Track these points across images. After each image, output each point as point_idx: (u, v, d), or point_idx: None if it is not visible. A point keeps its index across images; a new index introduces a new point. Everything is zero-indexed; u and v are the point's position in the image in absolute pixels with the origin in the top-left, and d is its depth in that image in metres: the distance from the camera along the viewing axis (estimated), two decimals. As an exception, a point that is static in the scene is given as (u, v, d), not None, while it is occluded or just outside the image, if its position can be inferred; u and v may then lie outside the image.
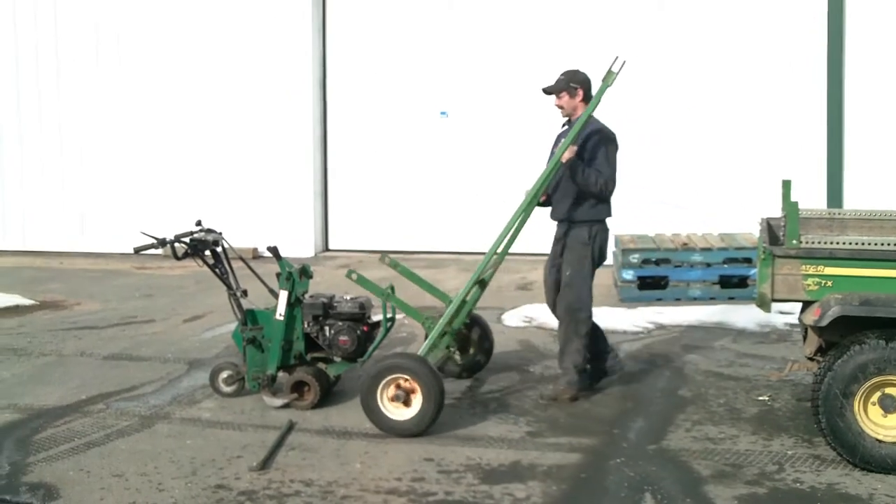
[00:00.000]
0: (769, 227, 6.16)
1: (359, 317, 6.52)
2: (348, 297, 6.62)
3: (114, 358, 8.02)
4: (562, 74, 6.71)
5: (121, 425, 6.23)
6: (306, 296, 6.67)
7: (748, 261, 10.09)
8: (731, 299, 9.98)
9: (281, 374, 6.58)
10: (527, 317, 9.17)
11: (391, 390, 5.87)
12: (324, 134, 13.89)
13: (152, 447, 5.81)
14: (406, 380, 5.85)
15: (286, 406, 6.43)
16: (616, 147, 6.62)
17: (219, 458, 5.58)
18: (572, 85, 6.61)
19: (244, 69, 13.65)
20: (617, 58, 6.45)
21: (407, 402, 5.87)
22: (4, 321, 9.48)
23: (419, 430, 5.85)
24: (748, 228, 10.91)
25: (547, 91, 6.70)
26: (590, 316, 6.64)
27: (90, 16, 14.14)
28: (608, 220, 6.74)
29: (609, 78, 6.43)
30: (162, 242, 6.53)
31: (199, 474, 5.35)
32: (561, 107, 6.70)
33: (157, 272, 12.24)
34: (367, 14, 13.66)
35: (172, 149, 13.94)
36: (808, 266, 5.35)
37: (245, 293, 6.73)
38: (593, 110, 6.53)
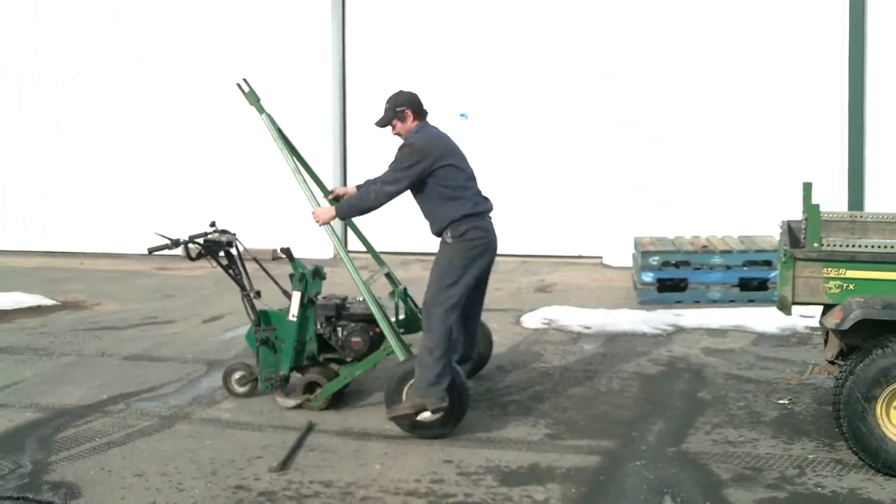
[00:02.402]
0: (790, 230, 6.13)
1: (371, 318, 6.49)
2: (361, 299, 6.62)
3: (134, 358, 8.06)
4: (386, 103, 6.29)
5: (141, 425, 6.26)
6: (319, 297, 6.68)
7: (768, 263, 10.04)
8: (750, 302, 9.94)
9: (294, 374, 6.60)
10: (546, 318, 9.15)
11: None
12: (343, 135, 13.92)
13: (172, 447, 5.84)
14: None
15: (299, 407, 6.44)
16: (409, 151, 6.06)
17: (238, 459, 5.60)
18: (398, 109, 6.22)
19: (263, 70, 13.64)
20: (239, 82, 6.65)
21: None
22: (27, 321, 9.55)
23: (444, 431, 5.86)
24: (770, 231, 10.87)
25: (379, 125, 6.33)
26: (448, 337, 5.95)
27: (111, 20, 14.24)
28: (487, 216, 6.22)
29: (251, 98, 6.56)
30: (176, 243, 6.57)
31: (219, 475, 5.37)
32: (399, 134, 6.29)
33: (176, 273, 12.29)
34: (386, 16, 13.68)
35: (192, 150, 14.00)
36: (829, 269, 5.33)
37: (258, 294, 6.75)
38: (278, 137, 6.58)
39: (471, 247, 6.04)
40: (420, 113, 6.30)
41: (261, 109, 6.57)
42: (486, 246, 6.12)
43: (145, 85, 14.17)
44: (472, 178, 6.29)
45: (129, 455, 5.71)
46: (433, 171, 6.08)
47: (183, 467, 5.50)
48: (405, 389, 5.88)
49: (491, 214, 6.29)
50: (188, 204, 13.73)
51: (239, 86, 6.60)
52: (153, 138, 14.20)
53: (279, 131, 6.62)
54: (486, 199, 6.29)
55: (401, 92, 6.36)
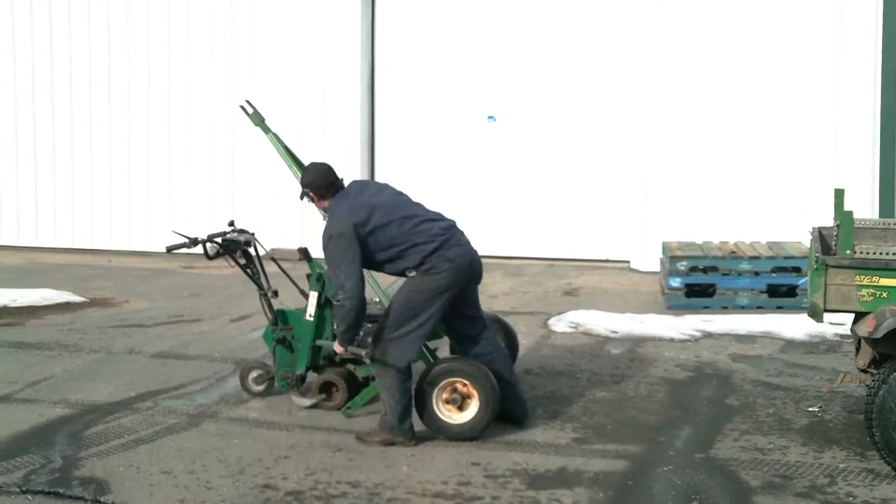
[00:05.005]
0: (821, 237, 6.08)
1: None
2: (378, 300, 6.60)
3: (161, 356, 8.11)
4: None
5: (169, 423, 6.29)
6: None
7: (797, 270, 9.98)
8: (779, 308, 9.88)
9: (310, 374, 6.62)
10: (573, 322, 9.13)
11: (447, 393, 5.87)
12: (371, 136, 13.95)
13: (200, 445, 5.86)
14: (464, 384, 5.85)
15: (314, 406, 6.46)
16: (334, 242, 5.76)
17: (266, 458, 5.61)
18: (304, 190, 6.08)
19: (293, 72, 13.74)
20: (243, 103, 6.68)
21: (462, 407, 5.86)
22: (56, 317, 9.63)
23: (472, 435, 5.85)
24: (798, 235, 10.79)
25: (301, 198, 6.20)
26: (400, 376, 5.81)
27: (139, 21, 14.35)
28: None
29: (255, 119, 6.55)
30: (194, 242, 6.58)
31: (247, 473, 5.39)
32: (324, 209, 6.11)
33: (203, 272, 12.34)
34: (415, 19, 13.70)
35: (221, 150, 14.07)
36: (862, 276, 5.29)
37: (276, 293, 6.76)
38: (285, 154, 6.56)
39: (434, 279, 5.78)
40: (325, 190, 6.02)
41: (266, 129, 6.58)
42: (453, 272, 5.81)
43: (175, 81, 14.26)
44: (415, 220, 5.88)
45: (157, 452, 5.74)
46: (367, 241, 5.77)
47: (210, 466, 5.52)
48: (434, 392, 5.88)
49: (453, 237, 5.91)
50: (215, 203, 13.81)
51: (243, 108, 6.61)
52: (183, 138, 14.28)
53: (286, 149, 6.60)
54: (445, 228, 5.92)
55: (306, 169, 6.18)
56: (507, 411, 6.09)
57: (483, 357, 6.10)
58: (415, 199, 6.22)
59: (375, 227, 5.79)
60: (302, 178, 6.16)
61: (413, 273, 5.84)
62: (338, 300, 5.80)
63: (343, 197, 5.99)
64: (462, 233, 6.06)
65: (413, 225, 5.86)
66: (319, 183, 6.07)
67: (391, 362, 5.78)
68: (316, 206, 6.15)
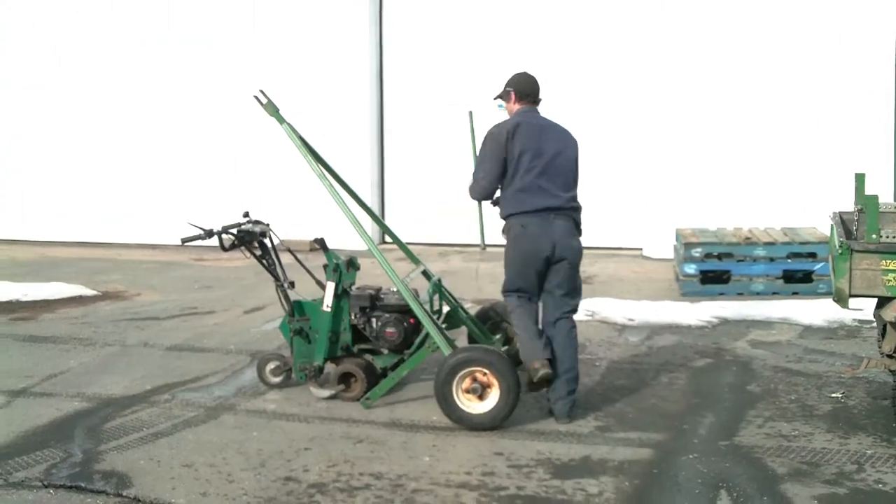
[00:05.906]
0: (842, 221, 6.01)
1: (406, 309, 6.41)
2: (395, 289, 6.57)
3: (176, 349, 8.06)
4: None
5: (187, 416, 6.25)
6: (353, 287, 6.64)
7: (812, 255, 9.92)
8: (794, 294, 9.82)
9: (328, 365, 6.58)
10: (589, 310, 9.07)
11: (467, 382, 5.83)
12: (380, 126, 13.88)
13: (219, 438, 5.82)
14: (484, 373, 5.81)
15: (333, 397, 6.42)
16: (488, 141, 6.11)
17: (286, 451, 5.57)
18: (507, 88, 6.27)
19: (304, 63, 13.68)
20: (257, 93, 6.56)
21: (482, 396, 5.82)
22: (69, 311, 9.59)
23: (492, 425, 5.81)
24: (811, 220, 10.75)
25: (496, 98, 6.43)
26: (513, 302, 6.14)
27: (147, 13, 14.28)
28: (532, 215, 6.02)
29: (269, 109, 6.52)
30: (209, 233, 6.53)
31: (268, 466, 5.35)
32: (509, 112, 6.31)
33: (214, 263, 12.31)
34: (423, 9, 13.62)
35: (232, 141, 14.01)
36: (888, 261, 5.22)
37: (292, 284, 6.72)
38: (301, 144, 6.51)
39: (513, 241, 6.07)
40: (524, 97, 6.22)
41: (281, 119, 6.51)
42: (526, 240, 5.98)
43: (183, 73, 14.19)
44: (539, 183, 5.99)
45: (177, 445, 5.70)
46: (517, 161, 6.00)
47: (231, 458, 5.48)
48: (454, 381, 5.83)
49: (542, 213, 6.00)
50: (227, 195, 13.73)
51: (257, 98, 6.55)
52: (193, 130, 14.23)
53: (301, 139, 6.55)
54: (544, 206, 5.98)
55: (518, 73, 6.32)
56: (549, 407, 6.13)
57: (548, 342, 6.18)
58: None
59: (518, 156, 5.98)
60: (511, 78, 6.28)
61: (503, 234, 6.15)
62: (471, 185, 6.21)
63: (527, 114, 6.19)
64: (562, 218, 6.04)
65: (531, 183, 5.99)
66: (520, 87, 6.24)
67: (510, 305, 6.19)
68: (507, 105, 6.30)
